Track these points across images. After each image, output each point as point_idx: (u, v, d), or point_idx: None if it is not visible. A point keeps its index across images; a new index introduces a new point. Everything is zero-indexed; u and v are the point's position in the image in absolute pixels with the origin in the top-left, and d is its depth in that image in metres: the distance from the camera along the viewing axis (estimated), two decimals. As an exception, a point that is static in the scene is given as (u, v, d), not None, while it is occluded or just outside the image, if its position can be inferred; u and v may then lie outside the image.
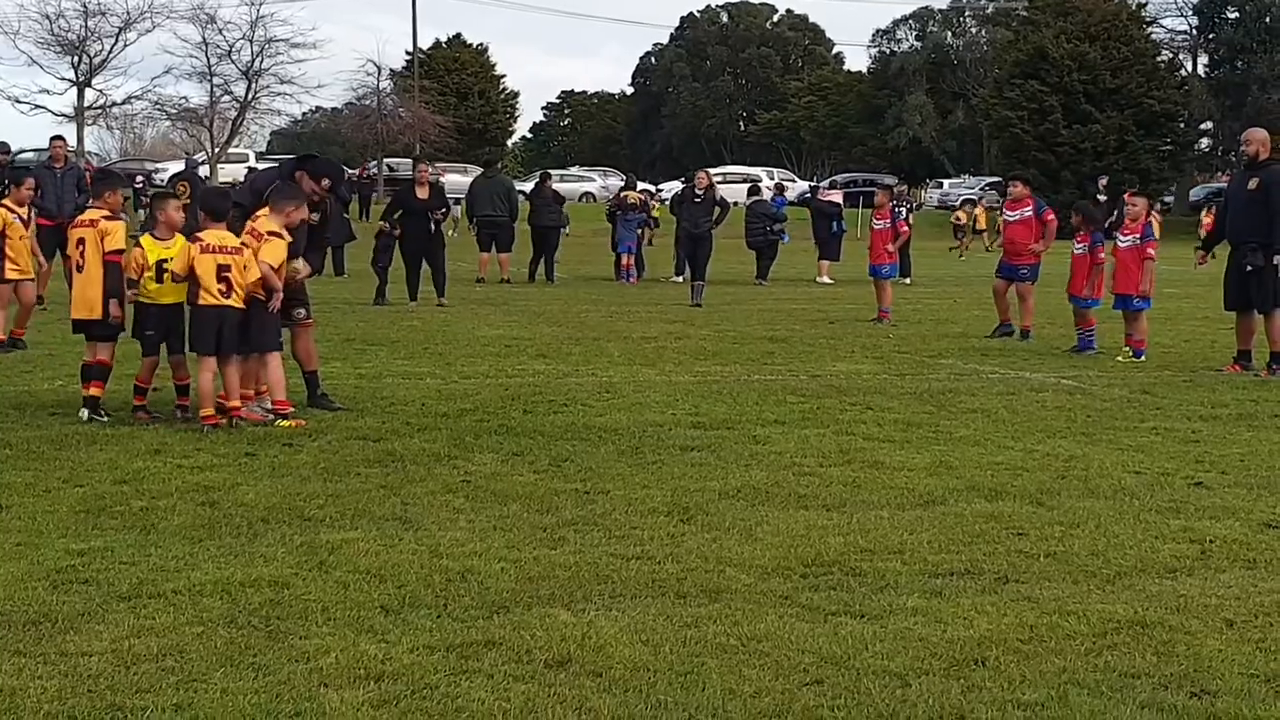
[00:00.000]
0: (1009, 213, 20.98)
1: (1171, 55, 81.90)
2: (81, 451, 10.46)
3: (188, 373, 11.90)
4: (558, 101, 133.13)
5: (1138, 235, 17.52)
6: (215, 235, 11.68)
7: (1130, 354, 17.25)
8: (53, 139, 23.72)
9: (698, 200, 28.06)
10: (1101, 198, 40.08)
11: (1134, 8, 76.36)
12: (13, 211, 17.73)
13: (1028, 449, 11.23)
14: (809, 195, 39.35)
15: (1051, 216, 20.51)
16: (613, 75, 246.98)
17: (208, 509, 8.74)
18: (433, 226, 24.77)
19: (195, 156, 57.34)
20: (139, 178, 56.68)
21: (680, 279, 30.18)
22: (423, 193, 25.17)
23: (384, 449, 10.82)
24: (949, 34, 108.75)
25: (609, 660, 6.07)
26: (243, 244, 11.70)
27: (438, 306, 24.04)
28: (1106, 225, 20.89)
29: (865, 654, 6.19)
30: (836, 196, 37.81)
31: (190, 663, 5.94)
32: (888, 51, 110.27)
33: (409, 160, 76.52)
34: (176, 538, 8.03)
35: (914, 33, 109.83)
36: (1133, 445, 11.51)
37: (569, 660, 6.07)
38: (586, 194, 76.69)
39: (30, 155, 68.92)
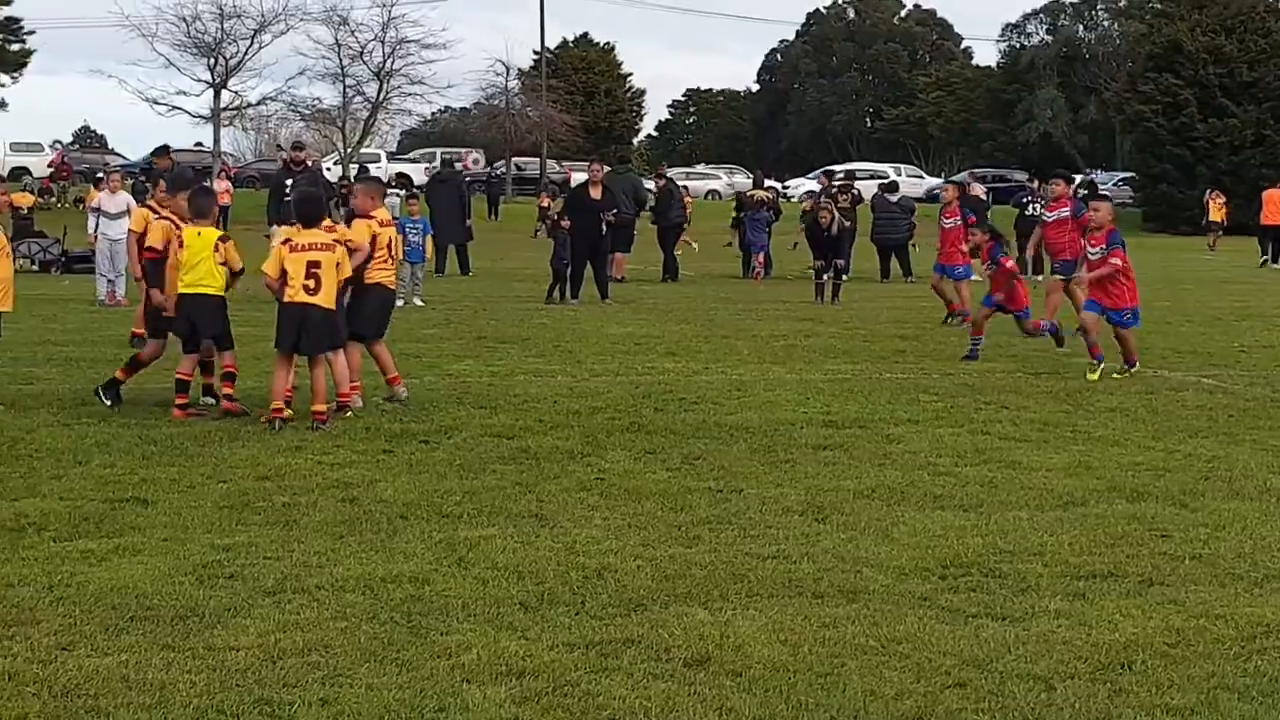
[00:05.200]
0: (1047, 213, 20.67)
1: (1311, 47, 79.91)
2: (224, 448, 10.65)
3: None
4: (683, 99, 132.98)
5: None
6: (307, 235, 11.93)
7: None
8: (294, 145, 25.55)
9: (842, 203, 28.08)
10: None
11: (1271, 0, 74.69)
12: (156, 211, 18.04)
13: (1169, 449, 11.03)
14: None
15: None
16: (739, 72, 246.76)
17: (348, 505, 8.86)
18: (603, 227, 24.91)
19: (324, 159, 58.11)
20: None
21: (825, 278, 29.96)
22: (596, 192, 25.32)
23: (518, 446, 10.90)
24: (1080, 27, 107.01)
25: (748, 660, 6.06)
26: (336, 241, 11.96)
27: (604, 304, 24.11)
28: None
29: (1008, 657, 6.12)
30: (981, 191, 36.80)
31: (335, 658, 6.03)
32: (1017, 45, 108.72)
33: (535, 159, 77.12)
34: (318, 533, 8.16)
35: (1044, 26, 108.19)
36: (1277, 445, 11.26)
37: (708, 659, 6.07)
38: (712, 191, 76.67)
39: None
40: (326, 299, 11.76)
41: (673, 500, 9.13)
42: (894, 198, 33.06)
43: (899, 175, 64.03)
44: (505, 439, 11.21)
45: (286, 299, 11.73)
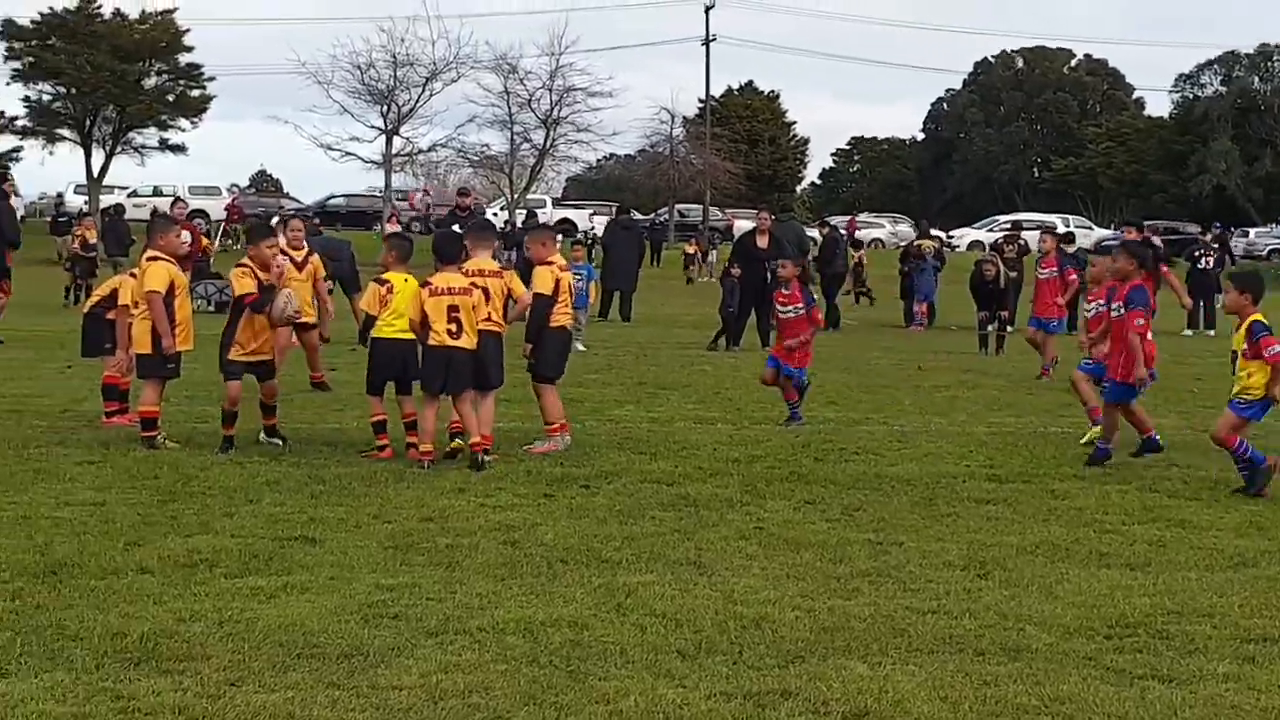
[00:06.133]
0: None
1: None
2: (390, 489, 10.84)
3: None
4: (847, 147, 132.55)
5: None
6: (444, 278, 12.10)
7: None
8: (459, 191, 25.97)
9: (1009, 254, 27.94)
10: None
11: None
12: (285, 254, 17.47)
13: (1345, 511, 10.72)
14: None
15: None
16: (904, 121, 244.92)
17: (509, 548, 8.96)
18: (769, 276, 25.01)
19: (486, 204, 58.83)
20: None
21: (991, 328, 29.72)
22: (763, 241, 25.44)
23: (677, 493, 10.94)
24: (1255, 79, 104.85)
25: (907, 715, 6.02)
26: (472, 285, 12.15)
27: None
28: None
29: (1174, 720, 6.00)
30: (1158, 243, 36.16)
31: (495, 700, 6.10)
32: (1191, 96, 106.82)
33: (698, 206, 77.44)
34: (480, 575, 8.26)
35: (1219, 77, 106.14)
36: None
37: (866, 714, 6.03)
38: (875, 240, 76.29)
39: (341, 200, 72.07)
40: (469, 341, 11.99)
41: (832, 551, 9.09)
42: (1071, 249, 32.36)
43: (1068, 226, 63.00)
44: (665, 485, 11.26)
45: (431, 343, 11.96)
